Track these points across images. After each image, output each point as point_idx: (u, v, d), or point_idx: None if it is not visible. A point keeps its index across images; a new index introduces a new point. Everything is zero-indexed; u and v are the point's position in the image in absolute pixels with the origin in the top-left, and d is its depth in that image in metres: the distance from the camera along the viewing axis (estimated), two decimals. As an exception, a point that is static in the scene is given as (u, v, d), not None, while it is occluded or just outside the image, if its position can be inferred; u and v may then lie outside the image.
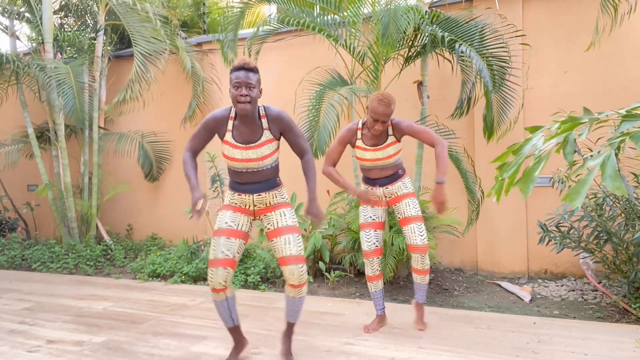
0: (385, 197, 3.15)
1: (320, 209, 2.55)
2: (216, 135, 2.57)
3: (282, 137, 2.58)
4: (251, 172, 2.52)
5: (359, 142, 3.06)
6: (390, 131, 3.02)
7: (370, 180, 3.16)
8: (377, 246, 3.13)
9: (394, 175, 3.11)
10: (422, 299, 3.21)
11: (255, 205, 2.60)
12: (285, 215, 2.58)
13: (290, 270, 2.49)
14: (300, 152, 2.60)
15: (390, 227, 4.17)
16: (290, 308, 2.64)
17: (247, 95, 2.33)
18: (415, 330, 3.15)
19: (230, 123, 2.48)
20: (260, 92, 2.46)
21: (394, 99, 2.90)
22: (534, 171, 1.35)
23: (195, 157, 2.59)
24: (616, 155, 1.25)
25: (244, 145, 2.47)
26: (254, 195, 2.56)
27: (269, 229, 2.60)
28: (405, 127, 2.99)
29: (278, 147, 2.59)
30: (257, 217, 2.67)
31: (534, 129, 1.56)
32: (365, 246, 3.14)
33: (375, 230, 3.13)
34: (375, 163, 3.05)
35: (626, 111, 1.39)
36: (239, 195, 2.58)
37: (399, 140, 3.04)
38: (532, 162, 1.39)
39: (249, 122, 2.46)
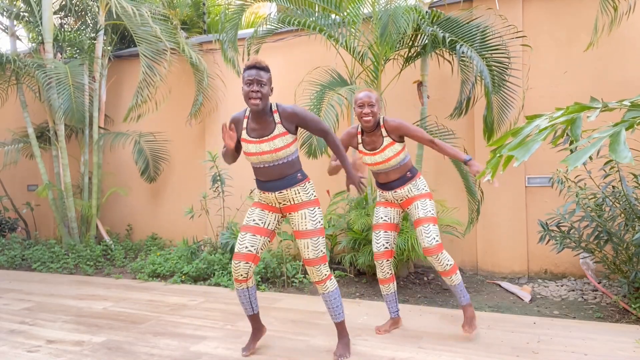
0: (397, 200, 3.08)
1: (356, 175, 2.73)
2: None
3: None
4: (267, 167, 2.62)
5: (360, 147, 3.04)
6: (384, 132, 2.94)
7: (380, 185, 3.11)
8: (386, 248, 3.07)
9: (401, 178, 3.01)
10: (463, 301, 3.00)
11: (280, 203, 2.71)
12: (305, 217, 2.67)
13: (309, 270, 2.74)
14: (321, 134, 2.71)
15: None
16: (326, 306, 2.79)
17: (258, 91, 2.50)
18: (415, 330, 3.15)
19: (245, 122, 2.67)
20: (271, 90, 2.63)
21: (374, 90, 2.96)
22: (535, 141, 1.31)
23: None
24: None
25: (257, 139, 2.60)
26: (276, 192, 2.66)
27: (293, 228, 2.76)
28: (397, 124, 2.93)
29: (294, 141, 2.66)
30: (285, 214, 2.78)
31: (535, 117, 1.52)
32: (374, 247, 3.11)
33: (385, 232, 3.08)
34: (377, 167, 3.00)
35: (630, 102, 1.39)
36: (263, 193, 2.72)
37: (396, 141, 2.95)
38: (534, 134, 1.36)
39: (260, 117, 2.61)
